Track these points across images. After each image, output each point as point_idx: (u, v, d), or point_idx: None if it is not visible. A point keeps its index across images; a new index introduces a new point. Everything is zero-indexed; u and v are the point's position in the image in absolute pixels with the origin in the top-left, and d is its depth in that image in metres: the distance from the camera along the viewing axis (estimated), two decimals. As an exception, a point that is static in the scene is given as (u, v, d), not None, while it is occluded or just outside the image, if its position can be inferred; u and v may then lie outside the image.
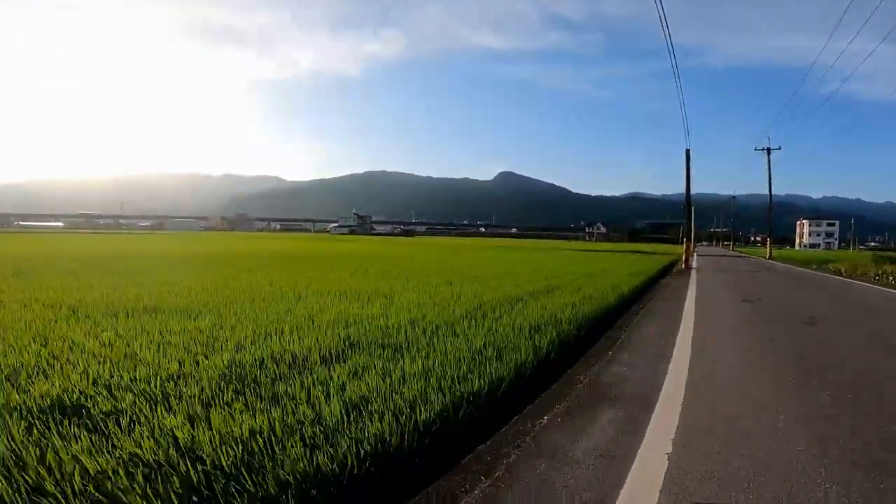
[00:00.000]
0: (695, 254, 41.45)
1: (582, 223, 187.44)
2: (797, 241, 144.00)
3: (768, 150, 32.80)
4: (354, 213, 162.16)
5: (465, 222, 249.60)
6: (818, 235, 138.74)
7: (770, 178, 31.89)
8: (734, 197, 68.13)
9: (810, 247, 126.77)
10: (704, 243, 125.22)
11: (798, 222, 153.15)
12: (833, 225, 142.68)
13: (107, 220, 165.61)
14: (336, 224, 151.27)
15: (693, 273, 15.59)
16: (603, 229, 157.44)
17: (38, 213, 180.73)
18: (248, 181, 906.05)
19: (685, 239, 17.96)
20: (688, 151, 16.60)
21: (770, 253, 31.85)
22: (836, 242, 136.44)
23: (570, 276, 11.75)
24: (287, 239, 54.09)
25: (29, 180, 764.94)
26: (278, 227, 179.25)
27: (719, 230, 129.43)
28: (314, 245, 33.37)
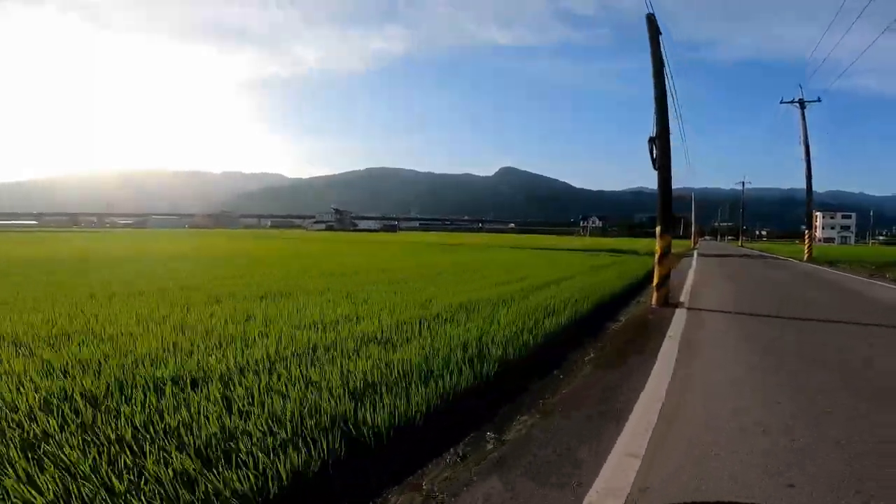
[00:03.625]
0: (694, 251, 30.79)
1: (580, 217, 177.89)
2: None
3: (801, 101, 22.68)
4: (333, 209, 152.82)
5: (466, 218, 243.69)
6: (832, 229, 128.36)
7: (807, 141, 21.57)
8: (743, 183, 57.60)
9: (825, 241, 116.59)
10: (707, 238, 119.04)
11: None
12: (849, 217, 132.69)
13: (90, 219, 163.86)
14: (313, 220, 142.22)
15: (669, 352, 4.63)
16: (598, 223, 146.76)
17: (13, 213, 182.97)
18: (249, 178, 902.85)
19: (659, 227, 7.69)
20: (650, 18, 6.77)
21: (810, 252, 21.28)
22: (853, 236, 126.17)
23: None
24: (232, 237, 46.03)
25: (33, 179, 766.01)
26: (269, 223, 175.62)
27: (724, 224, 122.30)
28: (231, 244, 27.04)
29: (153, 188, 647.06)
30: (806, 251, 21.19)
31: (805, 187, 22.88)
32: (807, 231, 21.84)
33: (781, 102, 24.02)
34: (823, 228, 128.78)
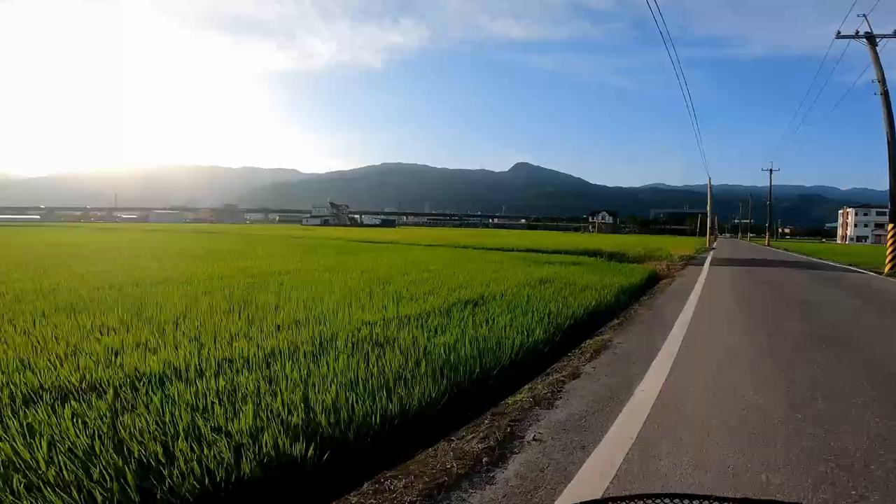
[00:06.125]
0: (709, 255, 22.61)
1: (588, 213, 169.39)
2: (839, 233, 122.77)
3: (869, 36, 15.16)
4: (330, 203, 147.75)
5: (479, 213, 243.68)
6: (865, 226, 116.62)
7: (885, 88, 14.07)
8: (770, 170, 49.08)
9: (857, 240, 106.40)
10: (728, 235, 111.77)
11: (841, 211, 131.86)
12: (885, 214, 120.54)
13: (100, 213, 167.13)
14: (309, 215, 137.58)
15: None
16: (609, 219, 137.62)
17: (17, 207, 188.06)
18: (266, 174, 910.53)
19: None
20: None
21: (894, 261, 13.16)
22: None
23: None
24: (169, 231, 42.24)
25: (53, 174, 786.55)
26: (277, 218, 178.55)
27: (745, 221, 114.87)
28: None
29: (173, 183, 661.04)
30: (889, 258, 13.22)
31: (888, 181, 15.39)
32: (891, 226, 13.91)
33: (838, 37, 16.53)
34: (856, 226, 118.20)
